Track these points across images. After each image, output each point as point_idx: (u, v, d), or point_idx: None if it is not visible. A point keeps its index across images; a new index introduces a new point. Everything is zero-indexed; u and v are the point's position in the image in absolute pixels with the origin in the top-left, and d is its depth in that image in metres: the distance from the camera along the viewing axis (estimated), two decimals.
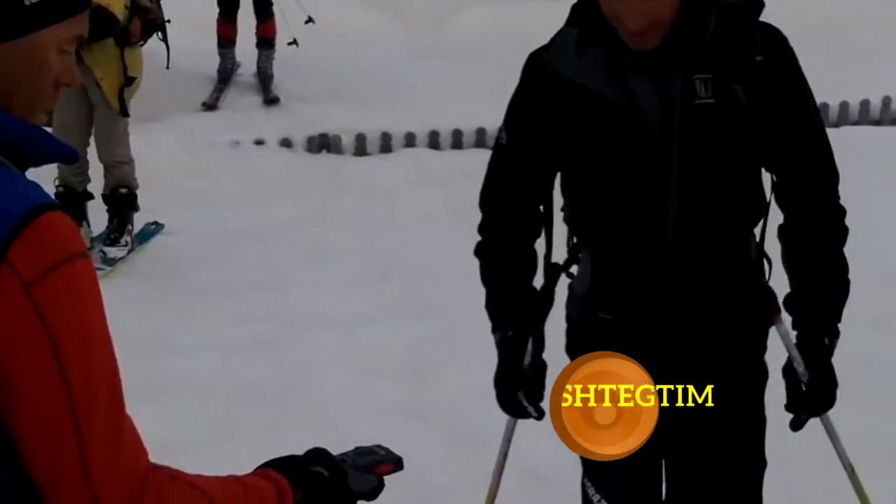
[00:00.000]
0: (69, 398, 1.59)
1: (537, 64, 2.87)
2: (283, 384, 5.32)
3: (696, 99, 2.74)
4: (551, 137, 2.88)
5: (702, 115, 2.75)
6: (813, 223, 2.91)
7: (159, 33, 7.04)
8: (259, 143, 9.15)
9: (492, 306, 3.11)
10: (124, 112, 6.72)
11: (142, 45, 7.00)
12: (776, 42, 2.81)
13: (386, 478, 2.05)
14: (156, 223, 7.31)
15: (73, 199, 6.77)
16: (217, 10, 10.11)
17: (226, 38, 10.15)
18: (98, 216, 7.01)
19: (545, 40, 2.88)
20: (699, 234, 2.85)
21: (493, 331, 3.10)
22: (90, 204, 6.99)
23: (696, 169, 2.79)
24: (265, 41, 10.15)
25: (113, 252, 6.84)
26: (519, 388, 3.02)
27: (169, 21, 7.12)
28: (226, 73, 10.22)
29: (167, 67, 7.34)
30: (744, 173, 2.87)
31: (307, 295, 6.32)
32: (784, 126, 2.83)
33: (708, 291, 2.93)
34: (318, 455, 1.98)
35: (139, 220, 7.17)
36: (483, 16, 12.75)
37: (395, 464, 2.09)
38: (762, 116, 2.78)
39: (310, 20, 10.21)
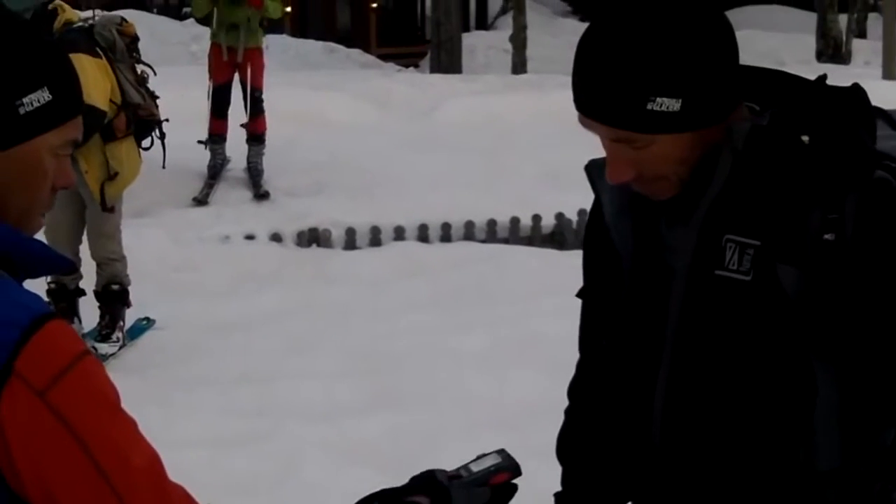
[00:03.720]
0: (110, 486, 1.61)
1: (587, 175, 2.22)
2: (270, 476, 5.33)
3: (718, 268, 1.99)
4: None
5: (723, 293, 2.00)
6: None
7: (157, 131, 7.02)
8: (249, 237, 9.22)
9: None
10: (104, 206, 6.68)
11: (146, 148, 7.02)
12: (877, 218, 1.91)
13: None
14: (147, 319, 7.32)
15: (64, 296, 6.79)
16: (208, 106, 10.24)
17: (217, 134, 10.27)
18: (89, 312, 7.03)
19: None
20: (698, 454, 2.11)
21: None
22: (82, 299, 7.00)
23: (695, 365, 2.07)
24: (255, 137, 10.27)
25: (104, 348, 6.81)
26: None
27: (167, 120, 7.10)
28: (216, 169, 10.32)
29: (163, 167, 7.34)
30: (774, 394, 2.02)
31: (294, 386, 6.33)
32: (861, 352, 1.95)
33: None
34: (419, 482, 1.93)
35: (130, 315, 7.20)
36: (468, 107, 12.92)
37: (513, 471, 1.94)
38: (822, 324, 1.94)
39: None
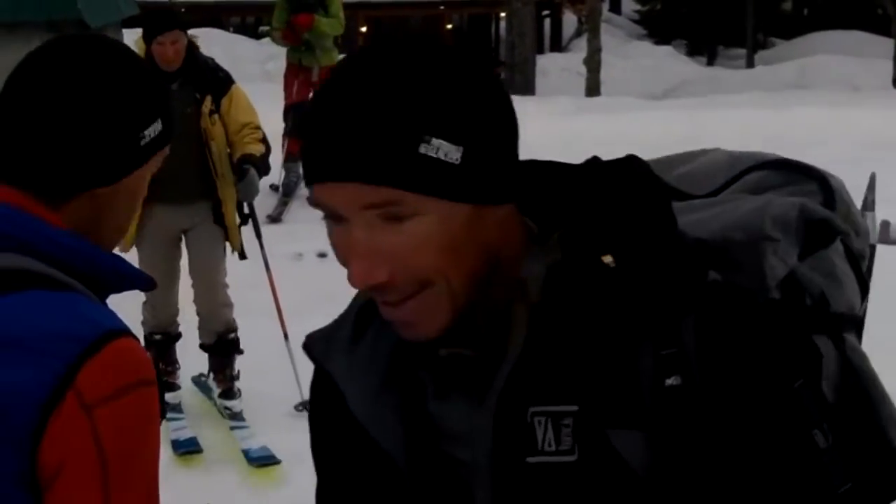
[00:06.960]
0: None
1: (309, 356, 1.65)
2: None
3: (530, 454, 1.41)
4: None
5: (543, 485, 1.42)
6: None
7: None
8: (322, 255, 9.27)
9: None
10: (243, 255, 6.39)
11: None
12: (730, 337, 1.37)
13: None
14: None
15: (169, 344, 6.40)
16: (282, 126, 10.34)
17: (294, 153, 10.35)
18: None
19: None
20: None
21: None
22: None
23: None
24: None
25: (237, 405, 6.38)
26: None
27: None
28: (290, 187, 10.41)
29: None
30: None
31: None
32: None
33: None
34: None
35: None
36: (542, 129, 12.97)
37: None
38: (688, 498, 1.37)
39: None
